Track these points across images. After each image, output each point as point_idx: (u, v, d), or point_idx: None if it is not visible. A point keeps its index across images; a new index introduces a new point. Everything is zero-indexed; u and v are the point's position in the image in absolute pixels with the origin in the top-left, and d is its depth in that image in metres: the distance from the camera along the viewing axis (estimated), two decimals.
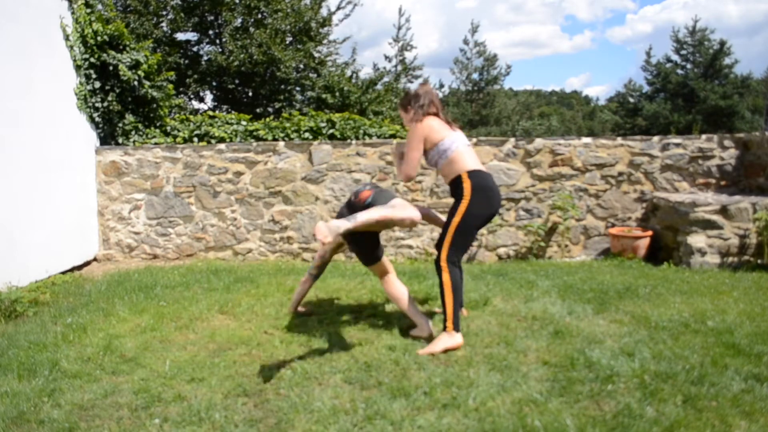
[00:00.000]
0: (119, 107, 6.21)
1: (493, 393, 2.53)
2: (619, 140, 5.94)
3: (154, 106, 6.56)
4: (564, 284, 4.43)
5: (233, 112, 10.23)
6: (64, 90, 5.69)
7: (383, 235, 5.99)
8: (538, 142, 5.95)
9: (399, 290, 3.38)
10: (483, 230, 5.77)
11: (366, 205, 3.18)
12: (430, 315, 3.73)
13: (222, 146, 6.11)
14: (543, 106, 43.02)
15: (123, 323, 3.72)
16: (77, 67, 5.85)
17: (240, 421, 2.38)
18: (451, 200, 3.28)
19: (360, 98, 11.38)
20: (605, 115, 30.68)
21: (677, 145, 5.87)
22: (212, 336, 3.41)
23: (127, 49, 6.24)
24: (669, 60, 23.92)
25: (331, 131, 6.52)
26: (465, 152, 3.27)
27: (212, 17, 11.84)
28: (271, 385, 2.70)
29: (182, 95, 11.48)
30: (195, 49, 12.38)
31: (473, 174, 3.20)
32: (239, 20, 11.52)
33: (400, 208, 3.09)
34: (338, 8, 12.49)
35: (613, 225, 5.93)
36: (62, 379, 2.82)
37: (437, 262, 3.22)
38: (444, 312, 3.16)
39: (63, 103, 5.66)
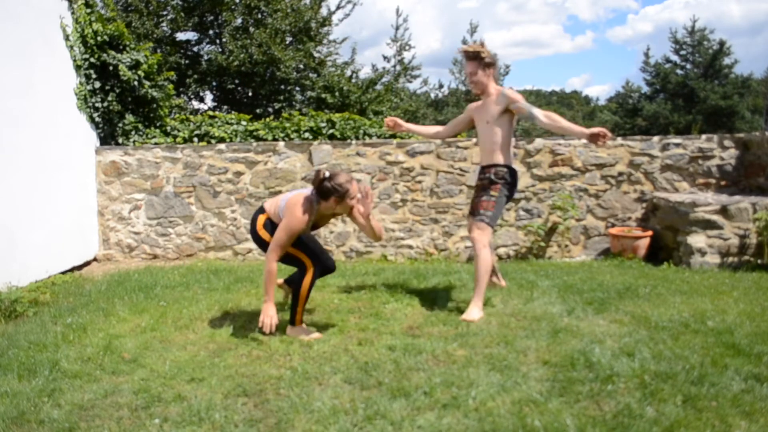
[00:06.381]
0: (119, 107, 6.21)
1: (493, 393, 2.52)
2: (619, 140, 5.94)
3: (154, 106, 6.56)
4: (564, 284, 4.43)
5: (233, 112, 10.22)
6: (64, 90, 5.69)
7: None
8: (538, 142, 5.95)
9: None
10: None
11: None
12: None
13: (222, 146, 6.11)
14: (543, 106, 42.84)
15: (123, 323, 3.72)
16: (77, 67, 5.85)
17: (240, 421, 2.38)
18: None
19: (360, 98, 11.38)
20: (605, 115, 30.65)
21: (677, 145, 5.87)
22: (212, 336, 3.42)
23: (127, 49, 6.24)
24: (668, 60, 23.86)
25: (331, 131, 6.52)
26: None
27: (212, 17, 11.84)
28: (271, 385, 2.70)
29: (182, 95, 11.48)
30: (195, 49, 12.39)
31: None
32: (239, 20, 11.52)
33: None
34: (338, 8, 12.50)
35: (613, 225, 5.93)
36: (62, 379, 2.81)
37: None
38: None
39: (63, 103, 5.66)
